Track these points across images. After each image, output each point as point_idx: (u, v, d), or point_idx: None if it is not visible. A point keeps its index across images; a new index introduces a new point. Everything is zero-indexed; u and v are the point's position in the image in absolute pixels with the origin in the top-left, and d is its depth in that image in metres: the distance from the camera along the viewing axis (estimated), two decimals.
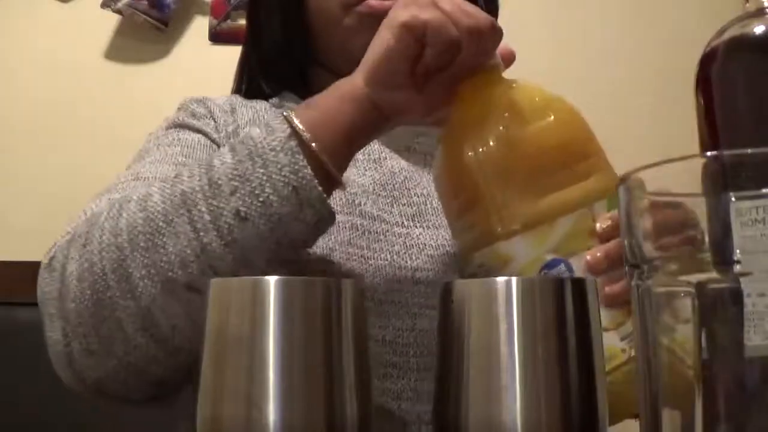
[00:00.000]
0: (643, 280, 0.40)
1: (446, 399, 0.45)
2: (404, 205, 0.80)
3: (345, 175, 0.79)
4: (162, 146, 0.81)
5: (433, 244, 0.77)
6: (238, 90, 0.97)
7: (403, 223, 0.79)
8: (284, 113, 0.64)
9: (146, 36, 1.82)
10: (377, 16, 0.80)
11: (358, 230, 0.77)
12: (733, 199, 0.37)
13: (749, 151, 0.38)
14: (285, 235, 0.62)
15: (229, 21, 1.83)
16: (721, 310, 0.38)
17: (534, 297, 0.44)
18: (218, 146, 0.82)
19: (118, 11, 1.81)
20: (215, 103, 0.88)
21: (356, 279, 0.71)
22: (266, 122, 0.65)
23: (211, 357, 0.44)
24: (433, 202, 0.81)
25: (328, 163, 0.63)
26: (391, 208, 0.80)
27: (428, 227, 0.79)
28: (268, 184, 0.61)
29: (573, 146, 0.64)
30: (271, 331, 0.43)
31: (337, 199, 0.78)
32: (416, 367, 0.72)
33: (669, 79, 1.62)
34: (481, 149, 0.64)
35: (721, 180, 0.38)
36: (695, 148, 0.48)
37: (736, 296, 0.37)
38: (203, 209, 0.61)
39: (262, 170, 0.61)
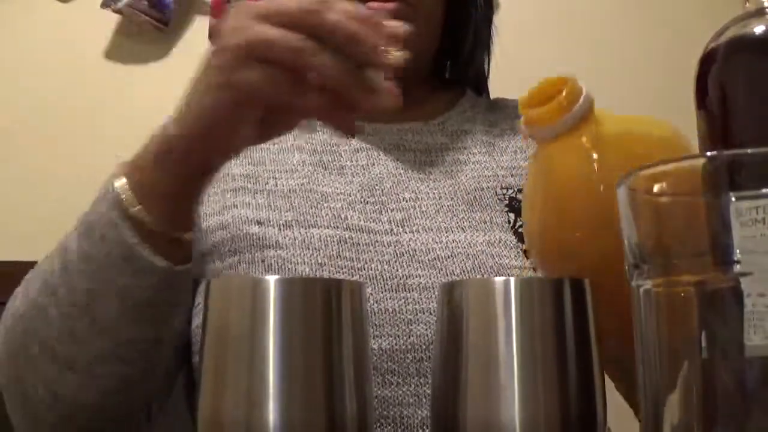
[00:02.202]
0: (643, 280, 0.40)
1: (444, 399, 0.45)
2: (393, 210, 0.79)
3: (329, 190, 0.80)
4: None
5: (423, 249, 0.76)
6: None
7: (392, 230, 0.78)
8: (113, 181, 0.66)
9: (146, 36, 1.82)
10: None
11: (346, 243, 0.76)
12: (733, 199, 0.37)
13: (749, 151, 0.38)
14: (132, 298, 0.65)
15: None
16: (721, 310, 0.38)
17: (532, 297, 0.44)
18: None
19: (118, 11, 1.81)
20: None
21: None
22: (100, 191, 0.67)
23: (211, 357, 0.44)
24: (422, 205, 0.80)
25: (152, 224, 0.64)
26: (380, 216, 0.79)
27: (417, 231, 0.78)
28: (106, 261, 0.64)
29: None
30: (271, 331, 0.43)
31: (323, 214, 0.78)
32: (416, 373, 0.71)
33: (669, 79, 1.62)
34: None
35: (721, 180, 0.38)
36: (696, 147, 0.48)
37: (736, 296, 0.37)
38: (63, 293, 0.66)
39: (98, 248, 0.65)
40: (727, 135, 0.46)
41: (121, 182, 0.65)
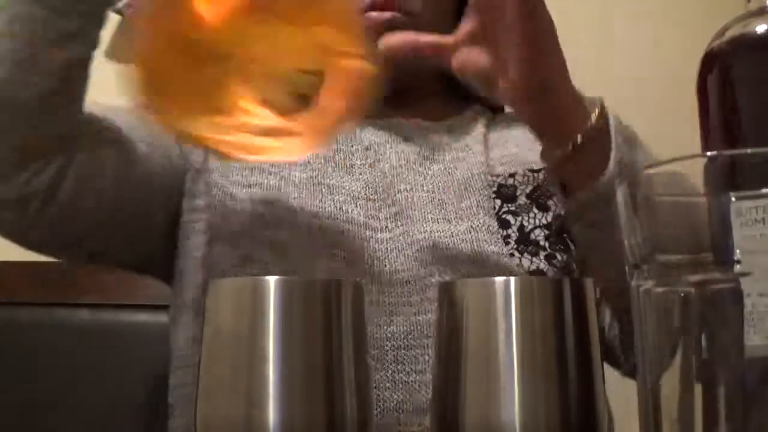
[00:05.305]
0: (643, 280, 0.40)
1: (444, 399, 0.45)
2: (390, 205, 0.83)
3: (335, 183, 0.83)
4: None
5: (410, 242, 0.80)
6: None
7: (387, 227, 0.81)
8: None
9: None
10: (375, 28, 0.82)
11: (344, 234, 0.80)
12: (733, 199, 0.37)
13: (749, 151, 0.38)
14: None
15: None
16: (721, 310, 0.38)
17: (532, 297, 0.44)
18: None
19: (118, 11, 1.81)
20: None
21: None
22: None
23: (210, 357, 0.44)
24: (415, 197, 0.83)
25: None
26: (378, 213, 0.82)
27: (407, 224, 0.81)
28: None
29: None
30: (271, 331, 0.43)
31: (326, 206, 0.81)
32: (394, 360, 0.75)
33: (670, 79, 1.62)
34: None
35: (722, 180, 0.38)
36: (697, 147, 0.48)
37: (736, 296, 0.37)
38: None
39: None
40: (729, 134, 0.46)
41: None
